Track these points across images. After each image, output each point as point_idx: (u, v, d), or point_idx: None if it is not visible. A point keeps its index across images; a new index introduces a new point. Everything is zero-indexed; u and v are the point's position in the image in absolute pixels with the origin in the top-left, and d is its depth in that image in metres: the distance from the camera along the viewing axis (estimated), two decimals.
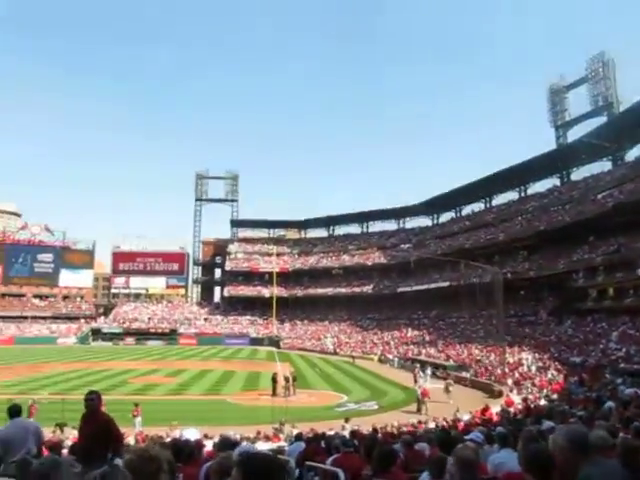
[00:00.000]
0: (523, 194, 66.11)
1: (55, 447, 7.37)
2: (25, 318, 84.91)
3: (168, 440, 9.95)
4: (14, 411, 5.32)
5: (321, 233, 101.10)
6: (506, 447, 5.27)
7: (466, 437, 6.82)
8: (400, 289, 72.73)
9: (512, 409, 18.99)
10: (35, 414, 19.20)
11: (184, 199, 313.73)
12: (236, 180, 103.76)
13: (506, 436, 5.85)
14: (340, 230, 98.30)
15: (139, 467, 2.25)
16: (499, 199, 70.56)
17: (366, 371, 44.71)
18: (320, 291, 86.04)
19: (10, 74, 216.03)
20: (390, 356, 53.79)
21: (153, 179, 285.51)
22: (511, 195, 68.33)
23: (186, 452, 5.46)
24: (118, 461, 4.24)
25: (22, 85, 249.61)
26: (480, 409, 20.36)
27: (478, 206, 74.58)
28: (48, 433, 13.78)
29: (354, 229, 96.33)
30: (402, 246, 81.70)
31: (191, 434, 11.37)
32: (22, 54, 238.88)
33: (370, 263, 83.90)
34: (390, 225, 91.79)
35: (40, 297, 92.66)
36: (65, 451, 7.62)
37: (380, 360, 54.64)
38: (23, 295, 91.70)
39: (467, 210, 77.30)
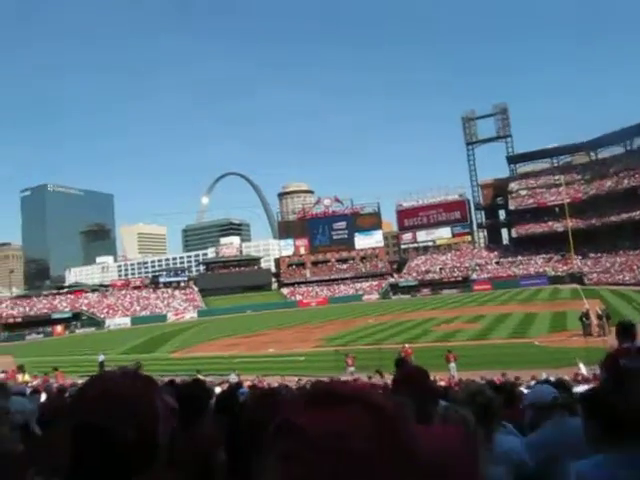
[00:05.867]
0: None
1: None
2: (333, 280, 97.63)
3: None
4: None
5: (615, 151, 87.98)
6: None
7: None
8: None
9: None
10: (354, 364, 21.50)
11: (454, 144, 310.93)
12: (506, 113, 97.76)
13: None
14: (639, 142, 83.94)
15: (476, 397, 2.74)
16: None
17: None
18: (625, 216, 75.18)
19: None
20: None
21: (420, 132, 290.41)
22: None
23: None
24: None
25: None
26: None
27: None
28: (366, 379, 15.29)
29: None
30: None
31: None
32: None
33: None
34: None
35: (341, 261, 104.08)
36: None
37: None
38: (328, 261, 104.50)
39: None
